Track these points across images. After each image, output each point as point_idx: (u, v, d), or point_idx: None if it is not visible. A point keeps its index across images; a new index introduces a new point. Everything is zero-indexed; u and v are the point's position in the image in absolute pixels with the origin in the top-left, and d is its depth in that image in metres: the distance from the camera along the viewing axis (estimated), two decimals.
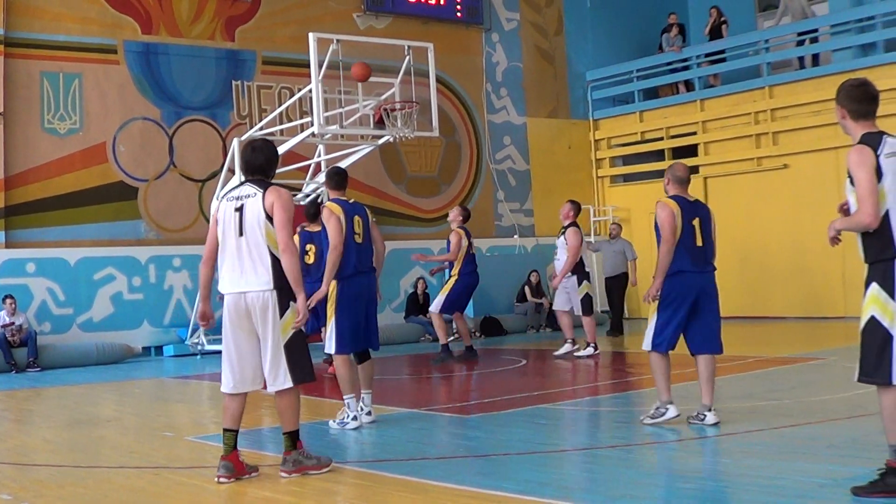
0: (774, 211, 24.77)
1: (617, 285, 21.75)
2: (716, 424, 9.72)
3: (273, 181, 8.58)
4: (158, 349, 21.56)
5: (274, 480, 8.38)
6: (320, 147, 21.17)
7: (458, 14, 27.06)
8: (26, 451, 10.61)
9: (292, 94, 22.54)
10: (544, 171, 28.23)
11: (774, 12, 27.23)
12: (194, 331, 20.83)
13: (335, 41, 18.44)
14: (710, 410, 9.80)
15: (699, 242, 10.01)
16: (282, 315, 8.24)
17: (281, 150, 19.57)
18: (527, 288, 25.16)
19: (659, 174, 26.90)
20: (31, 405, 14.94)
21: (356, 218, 10.80)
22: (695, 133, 27.06)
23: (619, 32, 29.86)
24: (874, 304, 7.02)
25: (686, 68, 28.02)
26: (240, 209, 8.35)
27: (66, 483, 8.68)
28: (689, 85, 27.93)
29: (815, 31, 25.67)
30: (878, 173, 6.61)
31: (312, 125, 18.63)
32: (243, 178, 8.75)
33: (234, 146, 20.21)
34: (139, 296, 21.53)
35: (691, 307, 9.92)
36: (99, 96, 21.91)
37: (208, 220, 20.95)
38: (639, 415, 10.36)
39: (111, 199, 21.78)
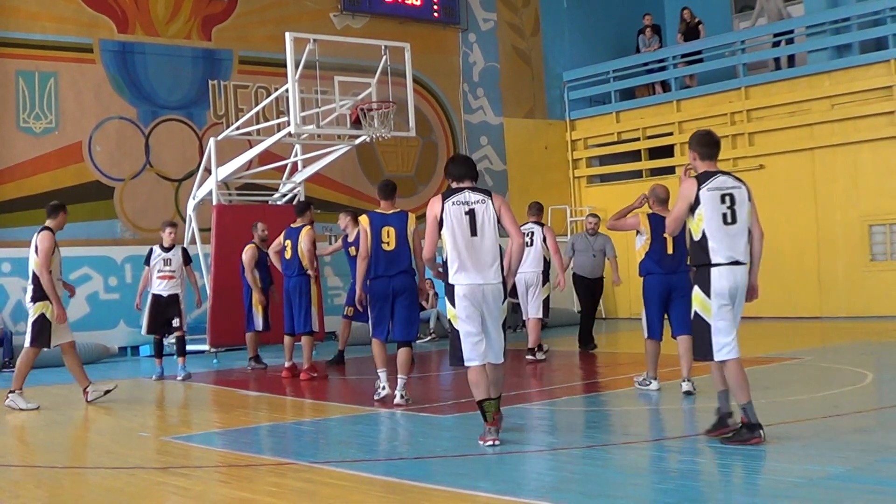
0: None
1: (595, 290, 18.80)
2: (688, 392, 11.85)
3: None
4: (135, 349, 21.44)
5: (252, 481, 8.38)
6: (297, 147, 21.19)
7: (435, 14, 27.06)
8: (2, 451, 10.54)
9: (269, 94, 22.51)
10: (521, 172, 28.26)
11: (750, 13, 27.40)
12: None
13: (312, 41, 18.45)
14: (686, 381, 11.96)
15: (670, 251, 12.13)
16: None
17: (257, 149, 19.83)
18: None
19: (636, 174, 27.14)
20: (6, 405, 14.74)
21: (385, 228, 12.32)
22: (671, 133, 27.14)
23: (596, 33, 29.91)
24: (696, 302, 8.88)
25: (662, 69, 28.10)
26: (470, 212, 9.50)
27: (42, 483, 8.67)
28: (665, 86, 28.00)
29: (791, 32, 25.81)
30: (697, 201, 8.75)
31: (289, 125, 18.63)
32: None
33: (211, 146, 20.19)
34: (115, 296, 21.36)
35: (666, 301, 12.21)
36: (75, 95, 21.83)
37: (185, 220, 20.97)
38: (616, 414, 10.41)
39: (87, 199, 21.68)
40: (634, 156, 27.77)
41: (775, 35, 25.98)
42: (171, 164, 22.87)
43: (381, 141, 20.14)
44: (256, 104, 22.66)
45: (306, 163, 21.54)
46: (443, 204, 9.50)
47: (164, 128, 22.88)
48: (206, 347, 19.47)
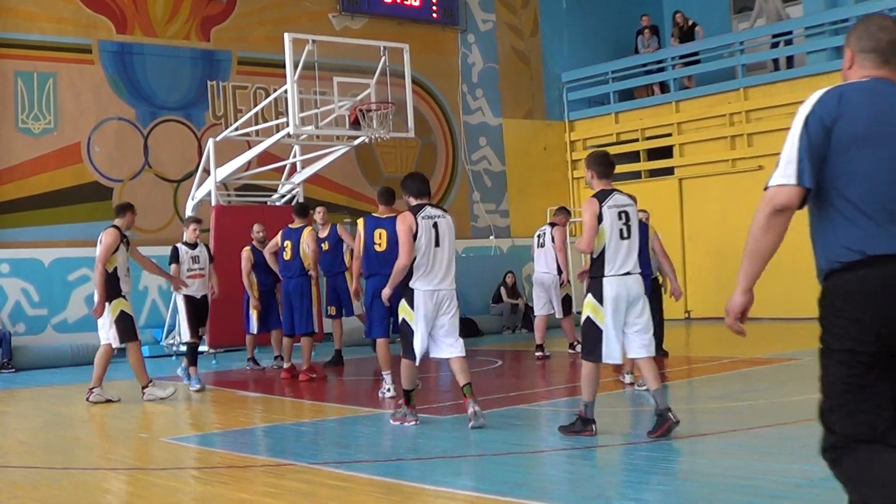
0: (749, 212, 23.74)
1: (651, 291, 18.10)
2: (631, 384, 12.80)
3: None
4: None
5: (250, 482, 8.37)
6: (296, 148, 21.21)
7: (434, 15, 27.05)
8: (1, 452, 10.50)
9: (268, 95, 22.48)
10: (520, 173, 28.25)
11: (749, 14, 27.37)
12: (169, 332, 20.76)
13: (311, 42, 18.46)
14: (629, 374, 12.85)
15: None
16: None
17: (256, 150, 19.82)
18: (502, 289, 25.20)
19: (635, 175, 27.11)
20: (5, 406, 14.83)
21: (378, 231, 13.24)
22: (670, 134, 27.13)
23: (595, 34, 29.88)
24: (589, 308, 9.59)
25: (661, 70, 28.07)
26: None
27: (40, 485, 8.64)
28: (664, 87, 27.95)
29: (790, 33, 25.76)
30: (600, 218, 9.43)
31: (288, 126, 18.63)
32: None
33: (210, 146, 20.19)
34: None
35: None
36: (73, 96, 21.82)
37: (183, 221, 20.87)
38: (615, 415, 10.40)
39: (86, 200, 21.67)
40: (633, 157, 27.73)
41: (774, 36, 25.93)
42: (170, 165, 22.85)
43: (379, 142, 20.15)
44: (255, 105, 22.63)
45: (305, 164, 21.54)
46: (415, 218, 10.44)
47: (162, 128, 22.86)
48: (204, 348, 19.43)
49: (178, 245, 15.62)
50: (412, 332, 10.48)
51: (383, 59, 19.33)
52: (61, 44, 21.76)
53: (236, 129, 20.88)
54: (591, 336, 9.57)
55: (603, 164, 9.82)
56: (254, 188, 22.39)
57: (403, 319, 10.55)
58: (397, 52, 19.75)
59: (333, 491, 7.98)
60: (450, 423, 11.13)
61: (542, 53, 29.32)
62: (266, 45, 23.65)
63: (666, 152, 27.26)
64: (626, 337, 9.61)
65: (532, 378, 14.67)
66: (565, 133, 29.46)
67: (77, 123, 21.84)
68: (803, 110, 4.54)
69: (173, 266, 15.30)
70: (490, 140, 28.08)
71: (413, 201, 10.69)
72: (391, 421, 10.80)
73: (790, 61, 25.73)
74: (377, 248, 13.21)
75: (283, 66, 18.50)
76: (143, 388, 13.86)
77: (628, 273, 9.50)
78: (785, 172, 4.48)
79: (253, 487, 8.14)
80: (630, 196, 9.75)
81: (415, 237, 10.39)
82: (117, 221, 14.13)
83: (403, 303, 10.56)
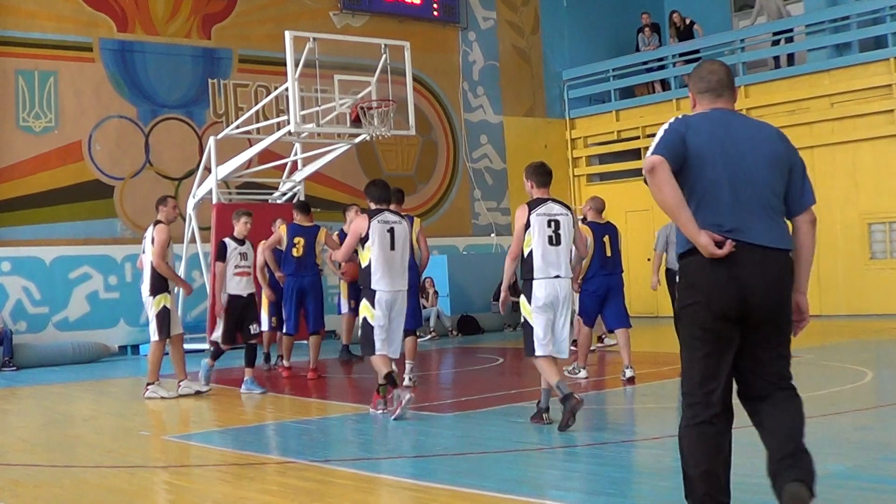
0: None
1: None
2: (632, 378, 13.34)
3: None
4: (135, 348, 21.48)
5: (253, 480, 8.37)
6: (297, 146, 21.16)
7: (435, 13, 27.07)
8: (2, 450, 10.48)
9: (269, 93, 22.47)
10: (521, 170, 27.54)
11: (750, 12, 27.38)
12: None
13: (311, 39, 18.40)
14: (629, 368, 13.53)
15: (609, 254, 13.81)
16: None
17: (257, 148, 19.81)
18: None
19: (636, 173, 26.99)
20: (6, 404, 14.79)
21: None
22: None
23: (596, 31, 29.93)
24: (523, 308, 10.25)
25: (662, 67, 28.10)
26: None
27: (42, 482, 8.66)
28: (664, 84, 27.99)
29: (791, 30, 25.79)
30: (528, 224, 10.12)
31: (289, 124, 18.56)
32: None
33: (211, 144, 20.16)
34: (115, 294, 21.49)
35: (603, 299, 13.90)
36: (74, 94, 21.80)
37: (184, 219, 20.92)
38: (618, 413, 10.42)
39: (87, 198, 21.68)
40: (634, 154, 27.65)
41: (775, 34, 25.97)
42: (171, 163, 22.85)
43: (380, 139, 20.13)
44: (256, 103, 22.61)
45: (306, 161, 21.51)
46: (370, 222, 11.30)
47: (163, 126, 22.85)
48: (205, 346, 19.40)
49: (227, 240, 14.48)
50: (373, 329, 11.22)
51: (384, 56, 19.27)
52: (62, 42, 21.73)
53: (237, 127, 20.85)
54: (527, 334, 10.28)
55: (540, 174, 10.51)
56: (255, 186, 22.36)
57: (364, 318, 11.29)
58: (398, 49, 19.71)
59: (336, 489, 7.98)
60: (451, 421, 11.15)
61: (542, 51, 29.34)
62: (267, 43, 23.62)
63: None
64: (553, 337, 10.24)
65: (533, 375, 14.58)
66: (566, 131, 29.48)
67: (78, 122, 21.82)
68: (663, 127, 5.68)
69: (219, 264, 14.31)
70: (491, 138, 28.09)
71: (373, 206, 11.54)
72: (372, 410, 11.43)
73: (791, 59, 25.78)
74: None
75: (284, 64, 18.45)
76: (148, 384, 13.83)
77: (557, 276, 10.17)
78: (663, 150, 5.48)
79: (255, 485, 8.12)
80: (565, 205, 10.46)
81: (364, 241, 11.25)
82: (160, 216, 13.94)
83: (365, 302, 11.29)
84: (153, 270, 13.66)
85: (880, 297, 23.07)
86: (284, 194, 21.67)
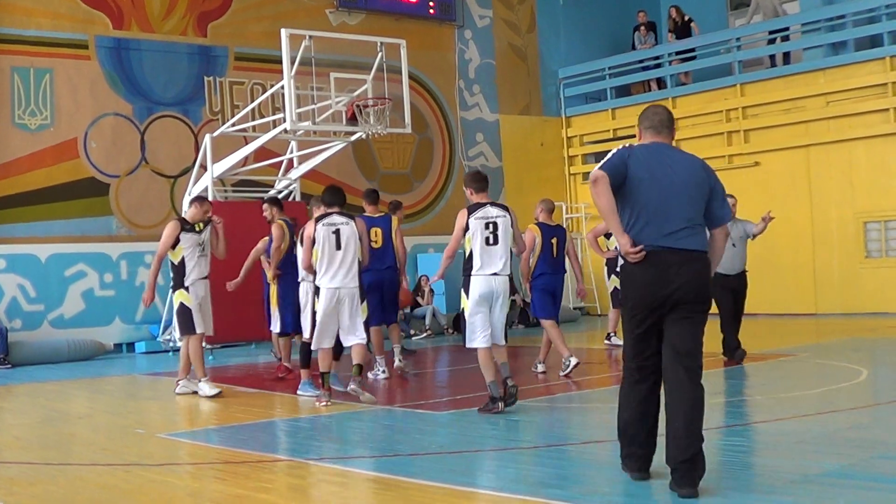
0: (745, 208, 24.22)
1: (738, 289, 15.27)
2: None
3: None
4: (130, 346, 21.48)
5: (247, 477, 8.35)
6: (293, 143, 21.20)
7: (431, 11, 27.04)
8: None
9: (265, 91, 22.56)
10: (517, 169, 28.26)
11: (746, 10, 27.37)
12: (166, 327, 20.74)
13: (307, 37, 18.45)
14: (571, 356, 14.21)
15: (555, 255, 14.44)
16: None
17: (253, 146, 19.83)
18: None
19: None
20: (1, 402, 14.73)
21: (374, 229, 14.54)
22: None
23: (592, 30, 29.95)
24: (462, 302, 11.16)
25: (658, 66, 28.12)
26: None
27: (37, 480, 8.65)
28: (661, 83, 28.01)
29: (787, 29, 25.81)
30: (468, 227, 11.15)
31: (285, 121, 18.62)
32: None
33: (207, 142, 20.17)
34: (111, 292, 21.44)
35: (552, 296, 14.49)
36: (70, 92, 21.75)
37: (179, 216, 20.86)
38: (610, 411, 10.38)
39: (82, 195, 21.63)
40: None
41: (770, 32, 25.99)
42: (167, 161, 22.78)
43: (376, 137, 20.20)
44: (252, 101, 22.67)
45: (302, 159, 21.55)
46: (316, 225, 12.18)
47: (159, 124, 22.80)
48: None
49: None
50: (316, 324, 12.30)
51: (380, 54, 19.30)
52: (58, 39, 21.69)
53: (233, 125, 20.88)
54: (464, 326, 11.20)
55: (478, 181, 11.54)
56: (251, 184, 22.37)
57: (314, 311, 12.25)
58: (394, 47, 19.73)
59: (329, 486, 7.99)
60: (447, 419, 11.14)
61: (538, 49, 29.32)
62: (263, 40, 23.62)
63: None
64: (492, 327, 11.15)
65: (529, 374, 14.63)
66: (562, 129, 29.48)
67: (73, 119, 21.77)
68: (612, 151, 7.26)
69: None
70: (487, 136, 28.08)
71: (323, 210, 12.47)
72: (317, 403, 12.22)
73: (787, 57, 25.81)
74: (373, 245, 14.39)
75: (280, 62, 18.50)
76: (178, 380, 13.86)
77: (495, 274, 11.12)
78: (604, 166, 7.09)
79: (249, 483, 8.11)
80: (504, 208, 11.42)
81: (313, 242, 12.15)
82: (186, 214, 14.15)
83: (315, 298, 12.25)
84: (172, 266, 13.67)
85: (875, 296, 23.08)
86: (280, 192, 21.66)
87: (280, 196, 21.44)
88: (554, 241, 14.46)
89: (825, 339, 18.81)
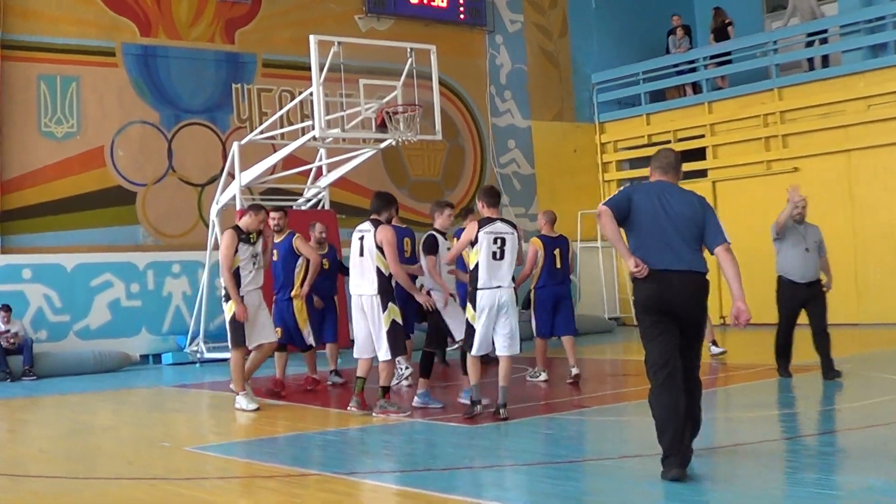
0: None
1: (808, 299, 14.13)
2: (577, 375, 14.74)
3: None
4: (157, 357, 21.29)
5: (275, 492, 8.25)
6: (322, 151, 21.06)
7: (461, 16, 26.87)
8: (21, 461, 10.47)
9: (293, 98, 22.44)
10: (550, 175, 27.99)
11: (783, 13, 27.12)
12: (193, 338, 20.59)
13: (336, 43, 18.23)
14: (574, 367, 14.83)
15: (558, 265, 14.99)
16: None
17: (281, 154, 19.69)
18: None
19: None
20: (26, 414, 14.71)
21: (405, 239, 15.25)
22: (703, 136, 26.83)
23: (625, 34, 29.64)
24: (468, 312, 11.69)
25: (693, 70, 27.79)
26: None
27: (61, 494, 8.61)
28: (696, 87, 27.70)
29: (825, 31, 25.44)
30: (476, 240, 11.52)
31: (313, 129, 18.39)
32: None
33: (234, 150, 20.01)
34: (137, 303, 21.23)
35: (554, 308, 15.03)
36: (97, 99, 21.68)
37: (207, 226, 20.88)
38: (645, 425, 10.21)
39: (109, 204, 21.56)
40: None
41: (808, 35, 25.60)
42: (194, 169, 22.68)
43: (406, 145, 19.90)
44: (280, 108, 22.49)
45: (331, 167, 21.36)
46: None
47: (186, 132, 22.69)
48: (228, 356, 19.13)
49: (432, 233, 13.34)
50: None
51: (410, 60, 19.12)
52: (84, 47, 21.61)
53: (261, 133, 20.70)
54: (468, 334, 11.67)
55: (490, 195, 11.99)
56: (279, 192, 22.18)
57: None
58: (424, 53, 19.51)
59: (359, 501, 7.95)
60: (478, 432, 10.99)
61: (571, 54, 29.08)
62: (291, 47, 23.46)
63: (699, 154, 26.88)
64: (496, 337, 11.63)
65: (562, 386, 14.41)
66: (596, 135, 29.21)
67: (100, 127, 21.69)
68: (623, 189, 8.66)
69: (429, 257, 13.04)
70: (519, 143, 27.85)
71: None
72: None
73: (825, 60, 25.45)
74: (405, 254, 14.99)
75: (309, 69, 18.23)
76: (237, 394, 13.45)
77: (499, 287, 11.56)
78: (609, 202, 8.34)
79: (276, 497, 8.03)
80: (511, 224, 11.79)
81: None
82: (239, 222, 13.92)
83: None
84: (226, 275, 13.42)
85: None
86: (309, 200, 21.53)
87: (309, 204, 21.28)
88: (556, 252, 15.05)
89: (869, 350, 18.46)
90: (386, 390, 12.19)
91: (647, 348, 8.29)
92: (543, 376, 15.17)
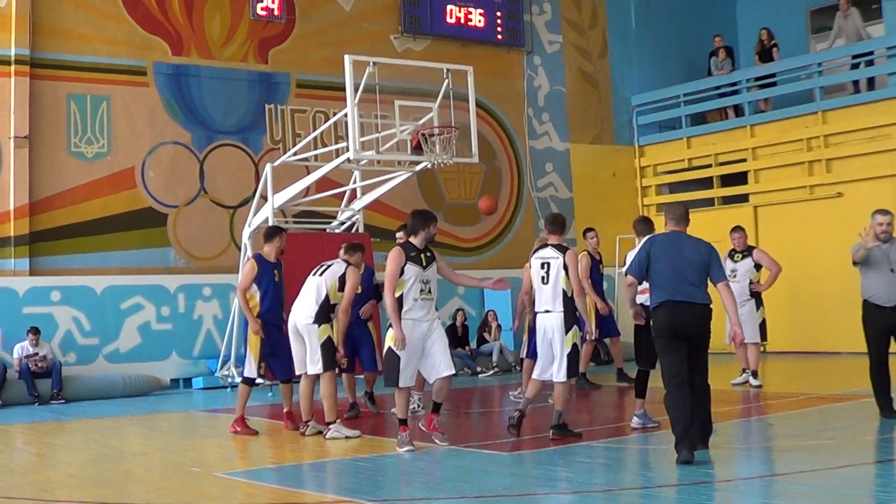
0: (827, 241, 24.00)
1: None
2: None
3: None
4: (187, 381, 21.21)
5: None
6: (356, 173, 20.90)
7: (499, 36, 26.71)
8: (50, 485, 10.38)
9: (327, 119, 22.31)
10: (588, 200, 27.73)
11: (828, 34, 26.72)
12: (224, 363, 20.48)
13: (371, 64, 18.08)
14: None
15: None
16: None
17: (315, 176, 19.48)
18: None
19: (708, 202, 26.38)
20: (55, 439, 14.69)
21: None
22: (744, 160, 26.47)
23: (666, 55, 29.41)
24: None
25: (735, 92, 27.45)
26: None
27: None
28: (738, 110, 27.40)
29: (871, 53, 25.05)
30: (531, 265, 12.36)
31: (348, 150, 18.27)
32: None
33: (267, 172, 19.84)
34: (168, 326, 21.18)
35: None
36: (127, 119, 21.61)
37: (239, 248, 20.83)
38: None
39: (139, 226, 21.50)
40: (706, 183, 27.07)
41: (854, 57, 25.20)
42: (227, 191, 22.58)
43: (442, 167, 19.66)
44: (314, 129, 22.41)
45: (365, 189, 21.18)
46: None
47: (219, 153, 22.58)
48: (260, 381, 18.80)
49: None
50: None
51: (446, 81, 18.94)
52: (115, 66, 21.56)
53: (294, 154, 20.57)
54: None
55: (550, 223, 12.53)
56: (312, 215, 22.08)
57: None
58: (461, 74, 19.34)
59: None
60: (512, 460, 10.97)
61: (610, 76, 28.90)
62: (325, 67, 23.39)
63: (740, 178, 26.58)
64: (544, 361, 12.14)
65: (598, 412, 14.09)
66: (635, 159, 28.91)
67: (131, 147, 21.63)
68: (642, 244, 10.83)
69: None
70: (557, 166, 27.64)
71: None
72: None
73: (871, 83, 25.01)
74: None
75: (343, 89, 18.10)
76: (328, 423, 12.88)
77: (547, 311, 12.05)
78: (634, 272, 10.55)
79: None
80: (559, 249, 12.09)
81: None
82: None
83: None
84: (322, 300, 12.91)
85: None
86: (343, 223, 21.31)
87: (343, 227, 21.00)
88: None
89: None
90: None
91: (662, 362, 10.36)
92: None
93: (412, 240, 11.80)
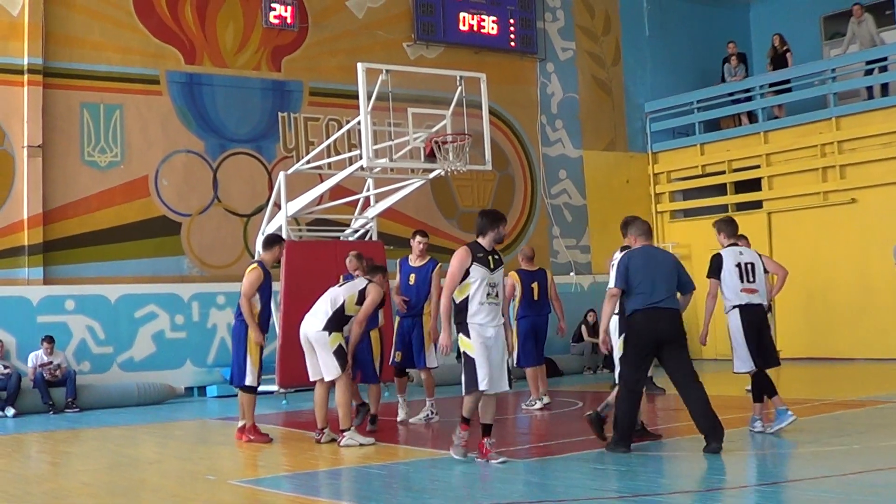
0: (841, 247, 23.98)
1: None
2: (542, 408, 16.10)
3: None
4: (202, 389, 21.27)
5: None
6: (369, 181, 20.78)
7: (512, 44, 26.67)
8: (64, 494, 10.39)
9: (340, 126, 22.34)
10: (601, 206, 27.65)
11: (841, 40, 26.71)
12: None
13: (384, 71, 18.08)
14: (539, 399, 16.37)
15: (535, 297, 16.53)
16: None
17: (328, 184, 19.47)
18: (583, 327, 24.57)
19: (721, 209, 26.32)
20: (69, 447, 14.66)
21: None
22: (758, 166, 26.43)
23: (679, 62, 29.41)
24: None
25: (749, 99, 27.46)
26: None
27: None
28: (752, 116, 27.37)
29: (885, 59, 24.99)
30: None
31: (361, 158, 18.23)
32: None
33: (281, 180, 19.80)
34: (182, 334, 21.18)
35: (535, 338, 16.52)
36: (141, 128, 21.63)
37: (253, 256, 20.58)
38: (698, 459, 10.45)
39: (153, 235, 21.50)
40: (720, 189, 27.02)
41: (868, 62, 25.20)
42: (240, 199, 22.59)
43: (456, 175, 19.63)
44: (327, 137, 22.42)
45: (379, 197, 21.07)
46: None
47: (232, 161, 22.59)
48: (274, 388, 18.82)
49: (724, 252, 12.55)
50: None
51: (459, 89, 18.86)
52: (128, 74, 21.59)
53: (308, 162, 20.52)
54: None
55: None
56: (326, 223, 22.02)
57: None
58: (474, 81, 19.29)
59: None
60: (529, 467, 10.92)
61: (623, 83, 28.87)
62: (338, 75, 23.41)
63: (754, 185, 26.55)
64: None
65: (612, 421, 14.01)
66: (648, 165, 28.88)
67: (144, 156, 21.65)
68: (620, 259, 11.61)
69: (713, 280, 12.39)
70: (570, 173, 27.60)
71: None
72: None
73: (885, 89, 24.95)
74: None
75: (356, 97, 18.07)
76: (343, 431, 12.82)
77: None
78: (616, 283, 11.29)
79: None
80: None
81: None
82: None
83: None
84: (336, 308, 12.90)
85: None
86: (356, 231, 21.22)
87: (357, 235, 20.98)
88: (534, 285, 16.52)
89: None
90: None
91: (630, 369, 11.30)
92: (539, 404, 16.31)
93: (480, 240, 11.29)
